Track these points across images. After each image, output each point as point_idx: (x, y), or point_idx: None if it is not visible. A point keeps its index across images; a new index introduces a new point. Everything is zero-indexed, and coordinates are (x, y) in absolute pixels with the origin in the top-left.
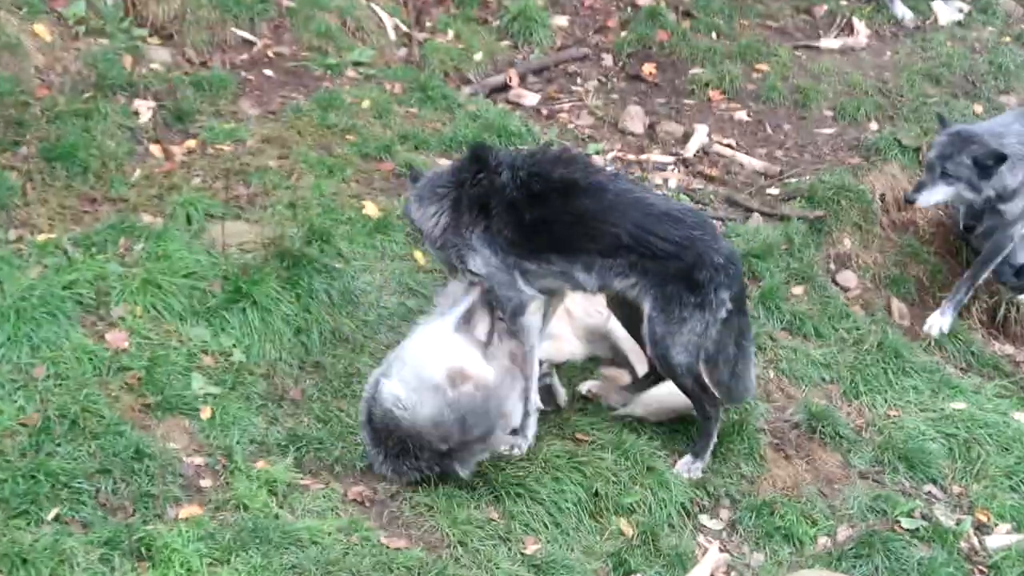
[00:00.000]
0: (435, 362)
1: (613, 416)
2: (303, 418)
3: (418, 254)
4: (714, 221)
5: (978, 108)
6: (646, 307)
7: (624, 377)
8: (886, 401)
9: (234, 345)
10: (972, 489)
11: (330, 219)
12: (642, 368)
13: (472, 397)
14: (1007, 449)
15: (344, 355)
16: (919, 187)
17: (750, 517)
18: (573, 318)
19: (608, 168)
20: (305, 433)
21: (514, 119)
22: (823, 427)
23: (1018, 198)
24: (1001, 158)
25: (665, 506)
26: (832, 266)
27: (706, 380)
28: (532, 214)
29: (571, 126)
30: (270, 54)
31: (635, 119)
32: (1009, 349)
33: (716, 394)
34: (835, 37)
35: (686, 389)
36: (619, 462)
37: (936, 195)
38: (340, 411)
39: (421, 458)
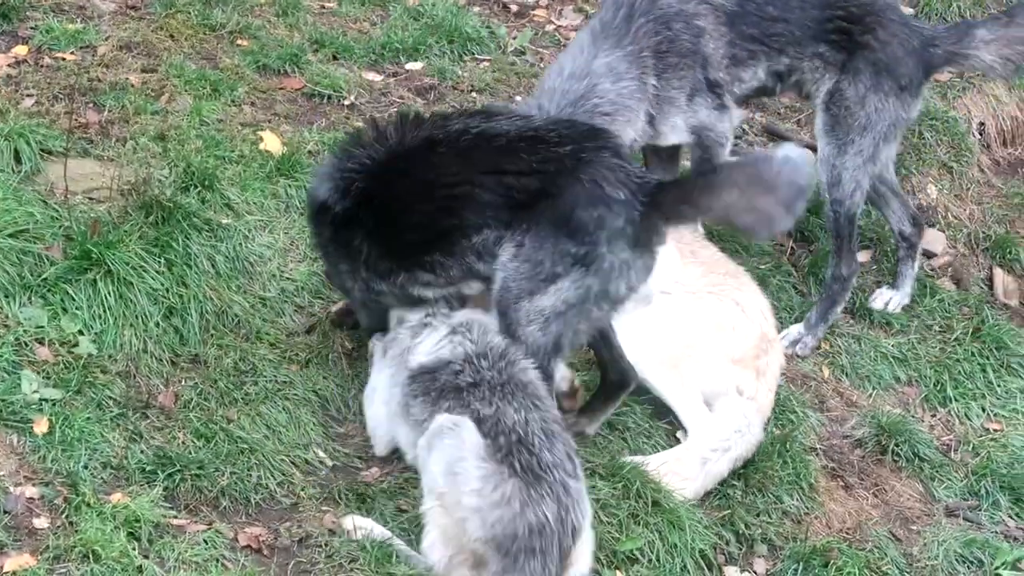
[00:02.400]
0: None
1: (606, 432)
2: (176, 433)
3: None
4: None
5: None
6: (502, 256)
7: None
8: (984, 410)
9: (81, 332)
10: None
11: (215, 157)
12: (692, 421)
13: None
14: None
15: (234, 346)
16: None
17: (795, 570)
18: None
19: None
20: (179, 454)
21: (471, 18)
22: (897, 446)
23: None
24: None
25: (678, 554)
26: None
27: (557, 376)
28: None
29: (551, 28)
30: None
31: None
32: None
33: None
34: None
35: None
36: (616, 494)
37: None
38: (229, 422)
39: None
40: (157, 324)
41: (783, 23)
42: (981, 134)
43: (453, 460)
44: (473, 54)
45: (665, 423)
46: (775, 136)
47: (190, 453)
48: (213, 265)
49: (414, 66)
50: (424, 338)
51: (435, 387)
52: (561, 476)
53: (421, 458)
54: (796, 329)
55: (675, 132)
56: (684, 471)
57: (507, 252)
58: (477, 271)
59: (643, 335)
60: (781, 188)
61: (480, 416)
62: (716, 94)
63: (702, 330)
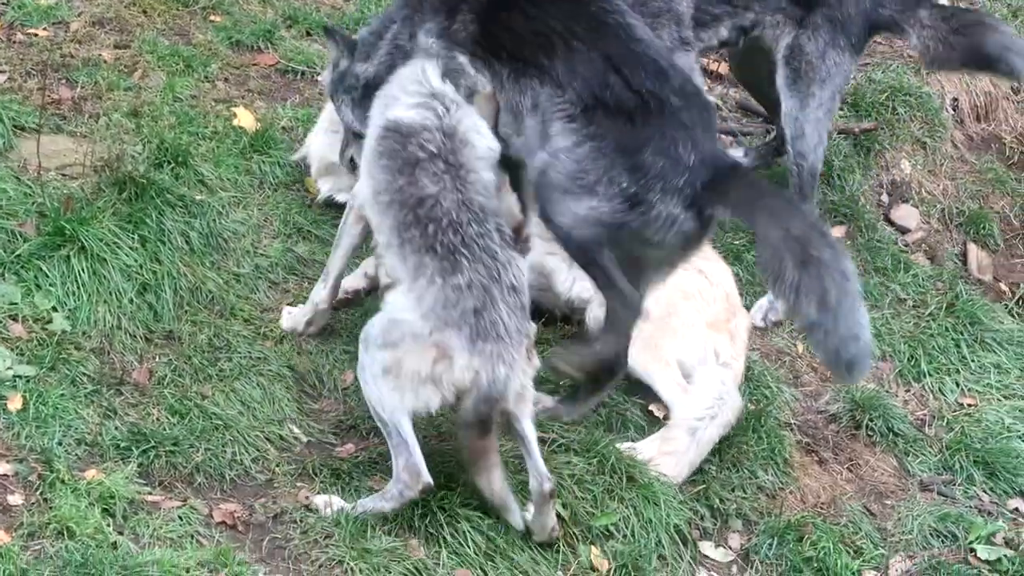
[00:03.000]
0: None
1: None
2: (151, 410)
3: (310, 181)
4: (722, 134)
5: None
6: (556, 138)
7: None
8: (958, 385)
9: (54, 308)
10: None
11: (188, 133)
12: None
13: None
14: None
15: (208, 322)
16: None
17: (770, 545)
18: None
19: None
20: (153, 430)
21: None
22: (871, 421)
23: None
24: None
25: (653, 529)
26: (885, 199)
27: (615, 274)
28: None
29: None
30: None
31: None
32: None
33: (632, 293)
34: None
35: (587, 272)
36: (591, 470)
37: None
38: (203, 399)
39: None
40: (131, 300)
41: None
42: (955, 109)
43: (388, 330)
44: None
45: (638, 398)
46: (749, 112)
47: (164, 429)
48: (187, 241)
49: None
50: (409, 95)
51: (400, 155)
52: (486, 243)
53: (359, 367)
54: (765, 299)
55: None
56: (676, 447)
57: (564, 138)
58: (515, 100)
59: None
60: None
61: (423, 196)
62: (687, 51)
63: (673, 300)
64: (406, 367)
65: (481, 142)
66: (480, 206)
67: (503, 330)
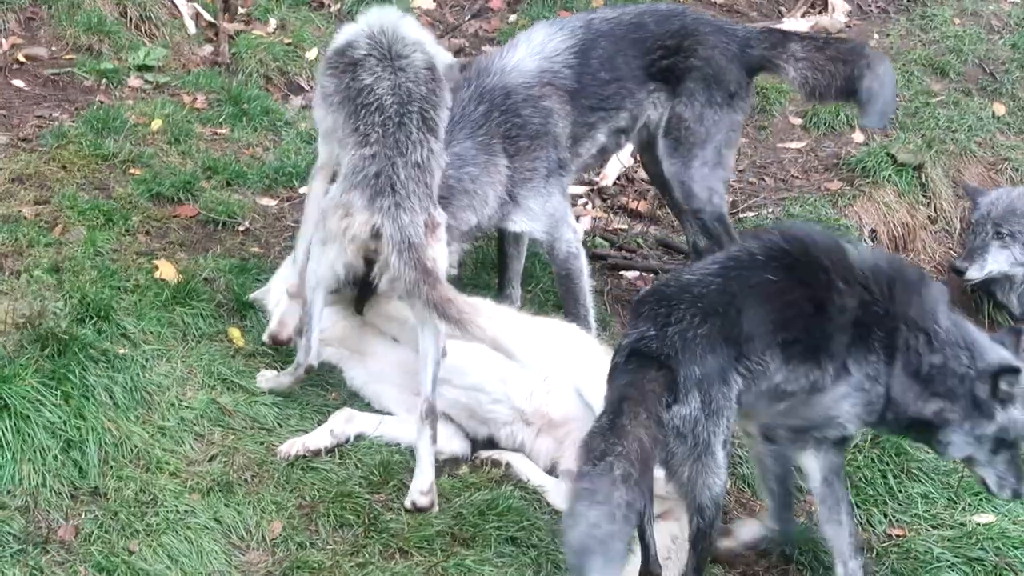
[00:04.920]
0: None
1: (511, 551)
2: (78, 567)
3: (234, 332)
4: (643, 272)
5: (1000, 108)
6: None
7: None
8: (886, 516)
9: None
10: None
11: (110, 287)
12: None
13: None
14: None
15: (134, 476)
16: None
17: None
18: None
19: None
20: None
21: None
22: (801, 555)
23: None
24: None
25: None
26: None
27: None
28: None
29: None
30: (21, 58)
31: None
32: None
33: None
34: (803, 16)
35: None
36: None
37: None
38: (130, 554)
39: None
40: (55, 457)
41: (616, 83)
42: (873, 240)
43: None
44: None
45: None
46: (670, 249)
47: None
48: (111, 396)
49: (308, 190)
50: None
51: (340, 62)
52: (402, 122)
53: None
54: None
55: (528, 216)
56: None
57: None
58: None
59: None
60: None
61: (361, 87)
62: (560, 176)
63: None
64: (330, 227)
65: (410, 32)
66: (408, 92)
67: (399, 186)
